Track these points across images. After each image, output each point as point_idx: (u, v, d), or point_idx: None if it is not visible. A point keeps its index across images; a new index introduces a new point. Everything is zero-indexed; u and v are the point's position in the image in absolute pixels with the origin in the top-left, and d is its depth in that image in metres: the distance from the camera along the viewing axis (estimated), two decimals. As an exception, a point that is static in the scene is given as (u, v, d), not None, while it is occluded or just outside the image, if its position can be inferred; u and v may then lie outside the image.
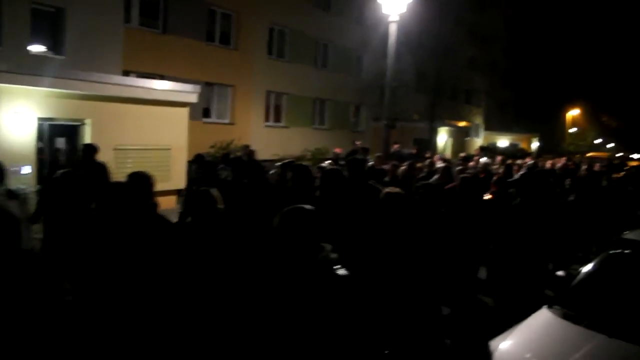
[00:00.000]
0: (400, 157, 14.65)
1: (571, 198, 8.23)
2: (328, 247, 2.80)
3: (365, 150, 11.84)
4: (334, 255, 2.78)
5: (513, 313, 4.76)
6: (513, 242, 5.90)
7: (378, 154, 13.09)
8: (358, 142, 14.62)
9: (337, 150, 13.71)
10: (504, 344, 3.72)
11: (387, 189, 4.70)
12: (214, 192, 3.71)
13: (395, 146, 17.78)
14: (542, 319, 4.00)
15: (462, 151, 26.41)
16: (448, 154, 28.35)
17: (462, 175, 6.77)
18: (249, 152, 11.11)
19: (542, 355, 3.57)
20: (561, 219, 6.67)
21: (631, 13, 63.22)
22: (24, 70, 10.45)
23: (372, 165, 9.28)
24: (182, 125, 13.70)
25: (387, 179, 8.60)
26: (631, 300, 4.06)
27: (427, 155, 15.43)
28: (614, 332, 3.51)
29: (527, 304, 4.93)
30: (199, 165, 6.80)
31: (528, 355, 3.59)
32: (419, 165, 10.60)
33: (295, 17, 23.21)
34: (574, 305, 4.02)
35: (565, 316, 3.86)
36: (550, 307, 4.08)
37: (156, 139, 12.52)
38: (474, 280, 5.86)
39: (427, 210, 4.94)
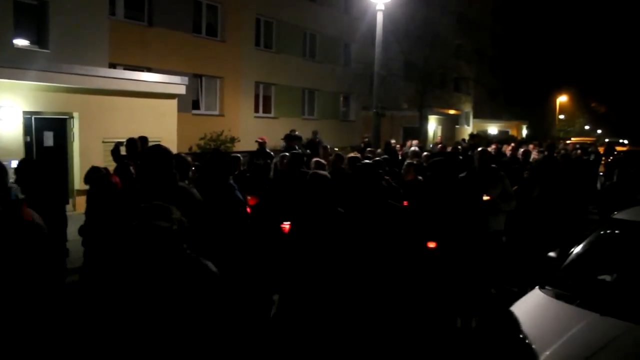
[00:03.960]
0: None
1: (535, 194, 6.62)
2: None
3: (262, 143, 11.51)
4: None
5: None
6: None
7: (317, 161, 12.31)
8: (296, 132, 13.69)
9: (261, 138, 11.93)
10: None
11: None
12: None
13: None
14: (534, 299, 4.02)
15: (452, 139, 26.45)
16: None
17: (358, 163, 4.92)
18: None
19: (535, 335, 3.58)
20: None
21: (617, -2, 63.48)
22: (8, 64, 10.35)
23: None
24: (171, 117, 13.65)
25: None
26: (622, 279, 4.10)
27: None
28: (606, 310, 3.53)
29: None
30: None
31: (521, 336, 3.60)
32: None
33: (282, 7, 23.10)
34: (566, 284, 4.05)
35: (557, 296, 3.88)
36: (542, 287, 4.10)
37: (145, 131, 12.34)
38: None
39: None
